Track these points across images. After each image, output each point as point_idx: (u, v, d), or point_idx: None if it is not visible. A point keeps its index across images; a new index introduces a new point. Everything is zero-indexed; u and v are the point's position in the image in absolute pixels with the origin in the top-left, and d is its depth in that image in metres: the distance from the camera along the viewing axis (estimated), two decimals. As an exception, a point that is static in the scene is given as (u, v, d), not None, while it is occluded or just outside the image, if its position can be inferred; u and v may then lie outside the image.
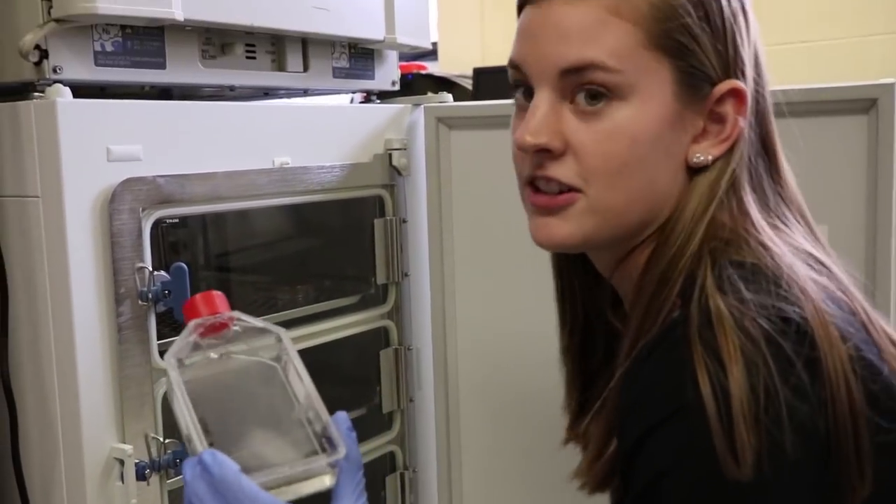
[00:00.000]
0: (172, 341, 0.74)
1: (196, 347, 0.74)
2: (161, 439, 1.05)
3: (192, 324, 0.75)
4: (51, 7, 0.99)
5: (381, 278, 1.42)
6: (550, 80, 0.75)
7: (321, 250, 1.56)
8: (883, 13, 2.92)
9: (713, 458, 0.62)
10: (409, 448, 1.48)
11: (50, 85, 0.99)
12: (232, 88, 1.27)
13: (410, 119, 1.44)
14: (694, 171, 0.78)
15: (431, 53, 3.73)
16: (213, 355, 0.73)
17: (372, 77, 1.46)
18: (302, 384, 0.72)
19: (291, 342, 0.74)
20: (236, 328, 0.75)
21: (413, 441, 1.48)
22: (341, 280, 1.49)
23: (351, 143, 1.34)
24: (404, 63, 3.24)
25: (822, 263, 0.76)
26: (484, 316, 1.37)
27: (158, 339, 1.06)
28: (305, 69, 1.33)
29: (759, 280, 0.70)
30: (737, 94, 0.76)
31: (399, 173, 1.40)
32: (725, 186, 0.76)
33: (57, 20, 0.99)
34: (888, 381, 0.69)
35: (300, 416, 0.71)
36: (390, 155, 1.39)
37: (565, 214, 0.77)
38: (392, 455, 1.47)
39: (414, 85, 3.04)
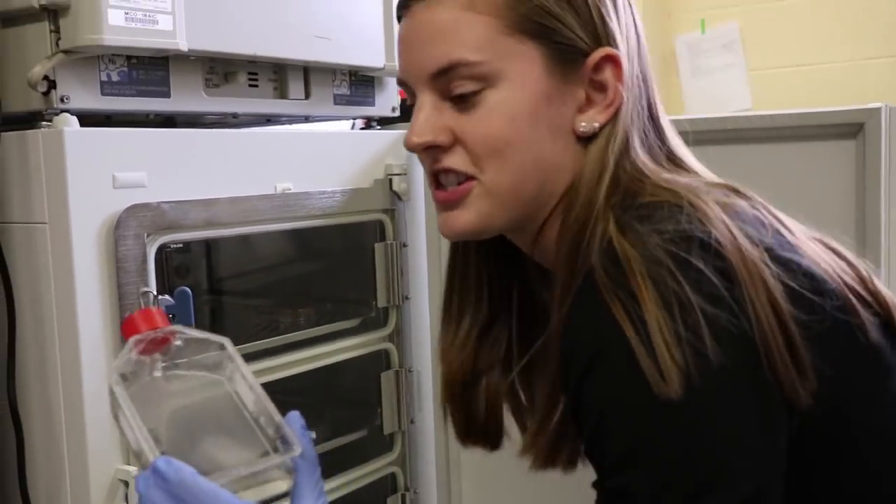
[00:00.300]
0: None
1: (140, 364, 0.74)
2: (165, 461, 1.07)
3: (131, 340, 0.75)
4: (59, 39, 1.02)
5: (381, 301, 1.44)
6: (426, 83, 0.81)
7: (322, 274, 1.58)
8: (878, 37, 2.95)
9: (644, 384, 0.64)
10: (410, 469, 1.49)
11: (57, 114, 1.02)
12: (235, 116, 1.29)
13: (410, 145, 1.46)
14: (585, 139, 0.81)
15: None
16: (157, 373, 0.74)
17: (372, 103, 1.49)
18: (251, 391, 0.73)
19: (236, 349, 0.75)
20: (178, 342, 0.75)
21: (414, 462, 1.50)
22: (342, 303, 1.51)
23: (352, 169, 1.36)
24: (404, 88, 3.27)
25: (729, 188, 0.79)
26: (483, 338, 1.39)
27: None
28: (307, 96, 1.35)
29: (656, 213, 0.73)
30: (612, 60, 0.80)
31: (399, 198, 1.43)
32: (618, 150, 0.79)
33: (65, 51, 1.02)
34: (809, 270, 0.71)
35: (251, 421, 0.72)
36: (390, 180, 1.41)
37: (464, 203, 0.82)
38: (393, 476, 1.48)
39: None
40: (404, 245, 1.44)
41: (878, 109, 1.06)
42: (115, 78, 1.08)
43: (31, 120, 1.04)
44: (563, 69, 0.80)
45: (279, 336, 1.38)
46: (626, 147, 0.80)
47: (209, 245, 1.41)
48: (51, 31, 1.02)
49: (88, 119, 1.05)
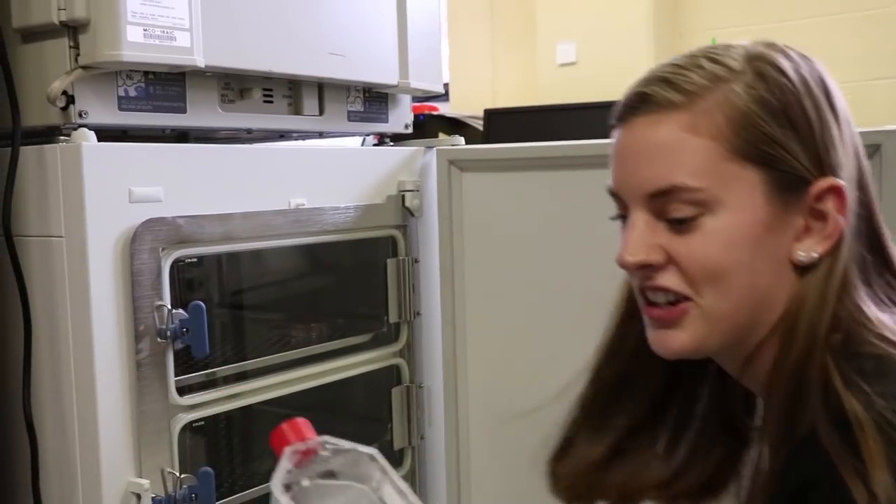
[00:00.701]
0: (189, 377, 0.75)
1: (294, 475, 0.74)
2: (177, 474, 1.07)
3: (288, 451, 0.75)
4: (78, 54, 1.03)
5: (393, 317, 1.44)
6: (641, 201, 0.79)
7: (335, 289, 1.58)
8: (887, 58, 2.96)
9: None
10: (420, 485, 1.49)
11: (75, 129, 1.03)
12: (249, 132, 1.30)
13: (423, 161, 1.47)
14: (803, 268, 0.78)
15: (443, 94, 3.79)
16: (306, 482, 0.73)
17: (386, 120, 1.50)
18: (401, 499, 0.72)
19: (385, 460, 0.74)
20: (326, 452, 0.75)
21: (424, 478, 1.50)
22: (354, 318, 1.51)
23: (365, 185, 1.37)
24: (416, 104, 3.29)
25: None
26: (494, 355, 1.39)
27: (176, 376, 1.09)
28: (321, 112, 1.36)
29: (884, 371, 0.71)
30: (835, 192, 0.77)
31: (412, 214, 1.43)
32: (838, 283, 0.77)
33: (84, 67, 1.03)
34: None
35: None
36: (403, 196, 1.42)
37: (681, 324, 0.80)
38: (403, 492, 1.48)
39: (426, 126, 3.09)
40: (416, 261, 1.45)
41: (895, 131, 1.06)
42: (132, 93, 1.09)
43: (49, 134, 1.06)
44: (783, 196, 0.77)
45: (291, 350, 1.38)
46: (845, 281, 0.77)
47: (222, 259, 1.42)
48: (70, 47, 1.04)
49: (105, 134, 1.06)
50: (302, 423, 0.77)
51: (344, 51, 1.32)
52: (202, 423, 1.15)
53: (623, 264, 0.81)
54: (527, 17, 3.36)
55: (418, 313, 1.46)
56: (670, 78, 0.79)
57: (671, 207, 0.78)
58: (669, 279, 0.79)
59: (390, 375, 1.47)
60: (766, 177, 0.77)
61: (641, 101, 0.79)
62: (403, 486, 0.72)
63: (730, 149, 0.76)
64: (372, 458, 0.73)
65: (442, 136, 3.15)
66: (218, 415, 1.19)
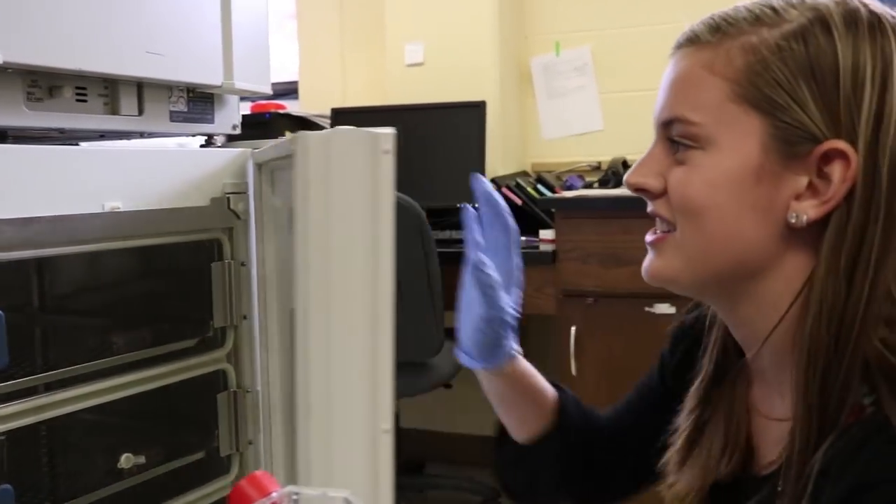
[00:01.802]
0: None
1: None
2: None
3: None
4: None
5: (218, 321, 1.42)
6: (659, 130, 0.85)
7: (159, 293, 1.54)
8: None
9: None
10: (249, 491, 1.47)
11: None
12: (62, 132, 1.25)
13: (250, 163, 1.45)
14: (811, 234, 0.77)
15: (293, 92, 3.75)
16: None
17: (212, 121, 1.46)
18: None
19: (361, 501, 0.71)
20: (295, 499, 0.72)
21: (252, 484, 1.48)
22: (179, 323, 1.48)
23: (187, 187, 1.34)
24: (263, 102, 3.26)
25: None
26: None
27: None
28: (140, 113, 1.32)
29: None
30: (842, 157, 0.75)
31: (237, 217, 1.41)
32: (850, 256, 0.74)
33: None
34: None
35: None
36: (228, 198, 1.40)
37: (659, 251, 0.85)
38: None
39: (272, 124, 3.06)
40: (242, 264, 1.43)
41: None
42: (-77, 90, 1.03)
43: None
44: (785, 150, 0.77)
45: (113, 357, 1.34)
46: (869, 256, 0.74)
47: (30, 265, 1.36)
48: None
49: None
50: (262, 476, 0.74)
51: (163, 50, 1.28)
52: (2, 437, 1.10)
53: (625, 182, 0.86)
54: (376, 16, 3.36)
55: (245, 317, 1.44)
56: (717, 18, 0.82)
57: (674, 138, 0.82)
58: (661, 207, 0.84)
59: (216, 380, 1.44)
60: (768, 126, 0.77)
61: (686, 38, 0.84)
62: None
63: (738, 91, 0.78)
64: (347, 501, 0.70)
65: (289, 135, 3.12)
66: (22, 428, 1.14)
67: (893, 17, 0.78)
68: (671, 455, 0.93)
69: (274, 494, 0.71)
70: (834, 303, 0.75)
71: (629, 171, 0.86)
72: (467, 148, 2.98)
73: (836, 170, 0.75)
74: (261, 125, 2.95)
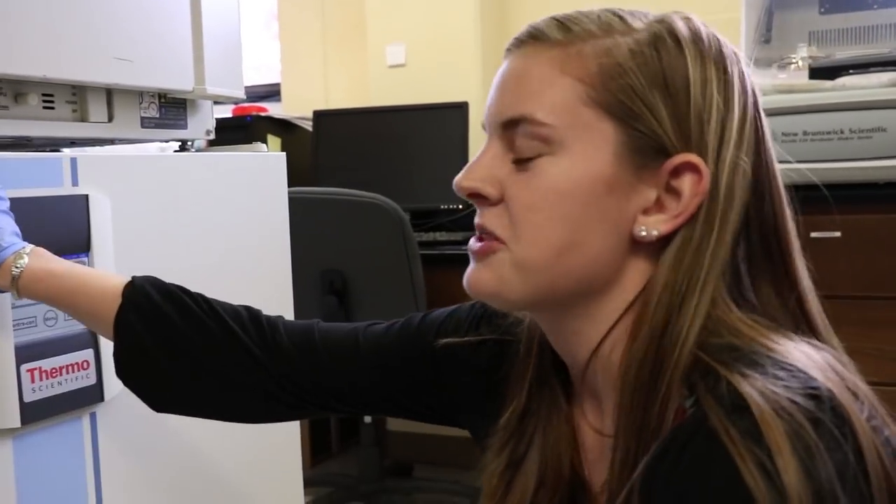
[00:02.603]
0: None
1: None
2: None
3: None
4: None
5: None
6: (496, 130, 0.78)
7: None
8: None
9: None
10: None
11: None
12: (28, 140, 1.23)
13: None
14: (655, 249, 0.75)
15: (276, 94, 3.73)
16: None
17: (185, 126, 1.45)
18: None
19: None
20: None
21: None
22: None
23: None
24: (245, 105, 3.24)
25: (816, 346, 0.72)
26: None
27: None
28: (110, 119, 1.30)
29: (762, 361, 0.67)
30: (693, 170, 0.73)
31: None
32: (691, 271, 0.73)
33: None
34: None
35: None
36: (201, 205, 1.38)
37: (485, 262, 0.77)
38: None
39: (253, 127, 3.04)
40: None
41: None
42: None
43: None
44: (636, 161, 0.74)
45: None
46: (706, 268, 0.72)
47: None
48: None
49: None
50: None
51: (132, 55, 1.26)
52: None
53: (457, 187, 0.78)
54: (357, 18, 3.35)
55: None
56: (563, 19, 0.77)
57: (519, 141, 0.76)
58: (492, 220, 0.77)
59: None
60: (621, 135, 0.74)
61: (528, 36, 0.78)
62: None
63: (593, 95, 0.74)
64: None
65: (270, 138, 3.11)
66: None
67: (728, 43, 0.78)
68: (489, 482, 0.88)
69: None
70: (665, 318, 0.72)
71: (461, 175, 0.78)
72: (450, 149, 2.96)
73: (686, 184, 0.74)
74: (242, 128, 2.93)
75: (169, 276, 1.03)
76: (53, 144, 1.39)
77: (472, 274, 0.79)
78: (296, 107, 3.47)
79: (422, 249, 2.52)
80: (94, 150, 1.42)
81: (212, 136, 1.51)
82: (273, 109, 3.29)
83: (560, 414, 0.85)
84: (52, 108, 1.23)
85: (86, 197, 1.15)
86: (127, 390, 1.02)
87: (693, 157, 0.73)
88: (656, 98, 0.73)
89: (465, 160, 2.95)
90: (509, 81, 0.78)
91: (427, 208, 2.96)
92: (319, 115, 3.15)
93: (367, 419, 2.81)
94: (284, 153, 1.53)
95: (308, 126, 3.19)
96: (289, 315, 1.44)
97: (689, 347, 0.71)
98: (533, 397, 0.86)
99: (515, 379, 0.88)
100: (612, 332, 0.77)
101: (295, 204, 1.56)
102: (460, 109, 2.96)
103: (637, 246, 0.76)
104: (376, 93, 3.21)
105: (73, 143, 1.40)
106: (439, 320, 0.98)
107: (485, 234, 0.78)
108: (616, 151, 0.74)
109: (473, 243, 0.79)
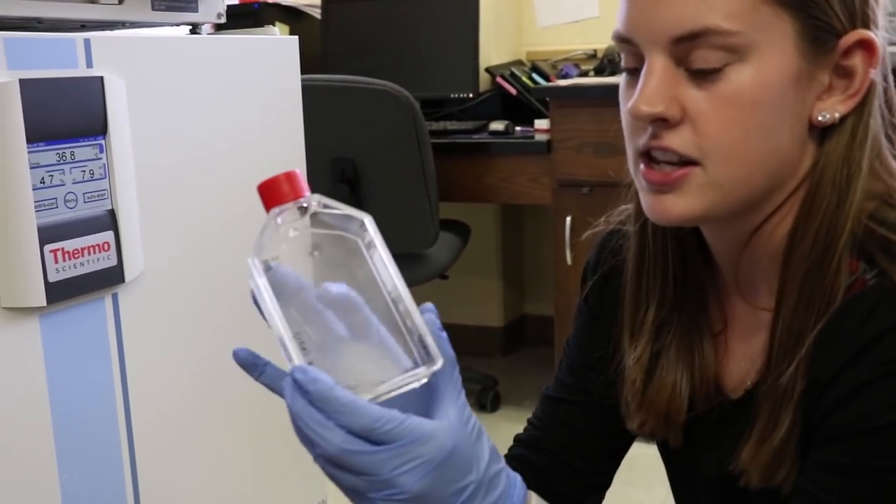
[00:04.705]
0: None
1: (275, 232, 0.65)
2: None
3: (274, 211, 0.65)
4: None
5: None
6: (663, 46, 0.72)
7: None
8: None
9: None
10: None
11: None
12: (39, 21, 1.22)
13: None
14: (822, 130, 0.75)
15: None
16: (292, 233, 0.65)
17: (195, 9, 1.43)
18: (390, 274, 0.65)
19: (377, 228, 0.66)
20: (318, 210, 0.66)
21: None
22: None
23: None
24: (252, -9, 3.17)
25: None
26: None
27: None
28: (121, 2, 1.29)
29: None
30: (866, 46, 0.73)
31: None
32: (862, 146, 0.74)
33: None
34: None
35: (391, 310, 0.65)
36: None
37: (682, 189, 0.74)
38: None
39: (261, 14, 2.99)
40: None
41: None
42: None
43: None
44: (813, 49, 0.72)
45: None
46: (873, 144, 0.75)
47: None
48: None
49: None
50: (300, 175, 0.66)
51: (141, -66, 1.24)
52: None
53: (638, 114, 0.73)
54: None
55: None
56: None
57: (698, 54, 0.71)
58: (678, 140, 0.73)
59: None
60: (799, 25, 0.72)
61: None
62: (390, 262, 0.65)
63: None
64: (363, 225, 0.66)
65: (279, 25, 3.06)
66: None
67: None
68: (627, 396, 0.89)
69: (305, 198, 0.66)
70: (838, 193, 0.74)
71: (637, 101, 0.73)
72: (460, 37, 2.92)
73: (857, 61, 0.74)
74: (249, 15, 2.88)
75: (183, 158, 1.03)
76: (63, 28, 1.38)
77: (666, 204, 0.75)
78: (303, -7, 3.40)
79: (433, 138, 2.51)
80: (106, 32, 1.41)
81: (223, 20, 1.49)
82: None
83: (704, 305, 0.87)
84: (63, -12, 1.21)
85: (101, 79, 1.14)
86: (147, 271, 1.04)
87: (865, 33, 0.73)
88: None
89: (475, 48, 2.91)
90: None
91: (437, 97, 2.94)
92: (328, 2, 3.09)
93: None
94: (296, 37, 1.51)
95: (316, 13, 3.13)
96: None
97: (861, 219, 0.73)
98: (678, 289, 0.87)
99: (642, 274, 0.88)
100: (778, 211, 0.78)
101: (305, 92, 1.55)
102: (471, -5, 2.91)
103: (811, 130, 0.76)
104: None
105: (83, 26, 1.39)
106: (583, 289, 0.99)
107: (667, 155, 0.74)
108: (796, 44, 0.72)
109: (653, 173, 0.75)
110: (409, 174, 2.46)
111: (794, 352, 0.74)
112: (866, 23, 0.74)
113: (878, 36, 0.74)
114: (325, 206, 0.67)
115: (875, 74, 0.74)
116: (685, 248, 0.86)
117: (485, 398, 2.94)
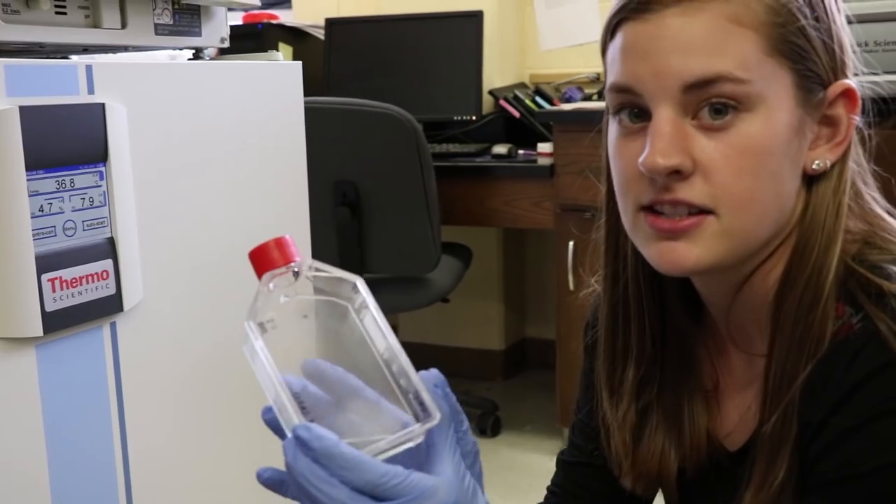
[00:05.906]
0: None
1: (267, 298, 0.66)
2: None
3: (266, 277, 0.66)
4: None
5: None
6: (672, 96, 0.72)
7: None
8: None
9: None
10: None
11: None
12: (41, 46, 1.21)
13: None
14: (811, 178, 0.77)
15: (286, 1, 3.65)
16: (283, 298, 0.66)
17: (199, 34, 1.42)
18: (382, 335, 0.65)
19: (368, 290, 0.67)
20: (310, 275, 0.67)
21: None
22: None
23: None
24: (255, 12, 3.18)
25: None
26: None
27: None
28: (124, 26, 1.28)
29: None
30: (849, 94, 0.76)
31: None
32: (846, 189, 0.76)
33: None
34: None
35: (385, 371, 0.65)
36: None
37: (694, 237, 0.74)
38: None
39: (264, 35, 2.99)
40: None
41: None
42: None
43: None
44: (806, 99, 0.75)
45: None
46: (854, 187, 0.78)
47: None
48: None
49: None
50: (289, 241, 0.67)
51: (144, -42, 1.23)
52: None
53: (653, 169, 0.72)
54: (370, -80, 3.26)
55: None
56: None
57: (707, 102, 0.72)
58: (691, 191, 0.73)
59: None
60: (795, 77, 0.74)
61: None
62: (384, 323, 0.66)
63: (769, 43, 0.72)
64: (355, 287, 0.66)
65: (282, 46, 3.06)
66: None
67: None
68: (619, 456, 0.89)
69: (296, 263, 0.67)
70: (827, 237, 0.76)
71: (651, 155, 0.72)
72: (464, 59, 2.91)
73: (841, 109, 0.76)
74: (253, 36, 2.88)
75: (185, 185, 1.02)
76: (65, 52, 1.37)
77: (680, 251, 0.74)
78: (307, 14, 3.40)
79: (435, 161, 2.50)
80: (108, 57, 1.40)
81: (226, 44, 1.48)
82: (284, 17, 3.23)
83: (693, 358, 0.87)
84: (65, 13, 1.20)
85: (102, 105, 1.13)
86: (146, 300, 1.02)
87: (848, 83, 0.76)
88: (811, 31, 0.74)
89: (478, 70, 2.91)
90: (676, 41, 0.72)
91: (440, 119, 2.93)
92: (332, 23, 3.09)
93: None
94: (300, 62, 1.50)
95: (320, 34, 3.13)
96: (304, 228, 1.45)
97: (846, 261, 0.74)
98: (657, 344, 0.86)
99: (620, 333, 0.88)
100: (771, 257, 0.78)
101: (307, 114, 1.53)
102: (474, 18, 2.91)
103: (802, 178, 0.78)
104: (389, 0, 3.15)
105: (85, 50, 1.38)
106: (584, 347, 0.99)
107: (678, 208, 0.74)
108: (793, 95, 0.74)
109: (662, 221, 0.75)
110: (411, 197, 2.44)
111: (785, 397, 0.75)
112: (845, 71, 0.77)
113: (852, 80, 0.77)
114: (317, 270, 0.67)
115: (858, 121, 0.77)
116: (666, 303, 0.86)
117: (485, 423, 2.91)
